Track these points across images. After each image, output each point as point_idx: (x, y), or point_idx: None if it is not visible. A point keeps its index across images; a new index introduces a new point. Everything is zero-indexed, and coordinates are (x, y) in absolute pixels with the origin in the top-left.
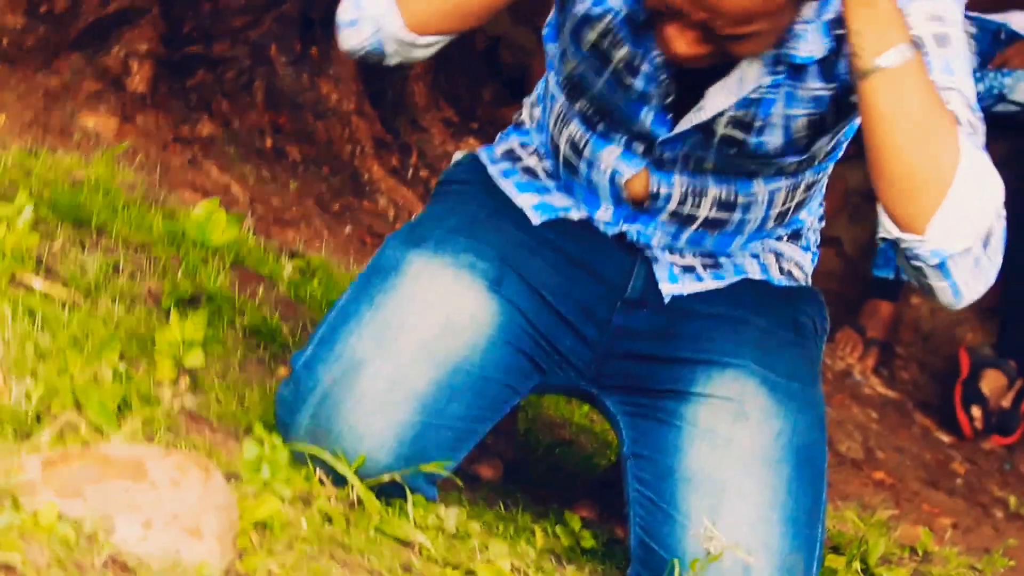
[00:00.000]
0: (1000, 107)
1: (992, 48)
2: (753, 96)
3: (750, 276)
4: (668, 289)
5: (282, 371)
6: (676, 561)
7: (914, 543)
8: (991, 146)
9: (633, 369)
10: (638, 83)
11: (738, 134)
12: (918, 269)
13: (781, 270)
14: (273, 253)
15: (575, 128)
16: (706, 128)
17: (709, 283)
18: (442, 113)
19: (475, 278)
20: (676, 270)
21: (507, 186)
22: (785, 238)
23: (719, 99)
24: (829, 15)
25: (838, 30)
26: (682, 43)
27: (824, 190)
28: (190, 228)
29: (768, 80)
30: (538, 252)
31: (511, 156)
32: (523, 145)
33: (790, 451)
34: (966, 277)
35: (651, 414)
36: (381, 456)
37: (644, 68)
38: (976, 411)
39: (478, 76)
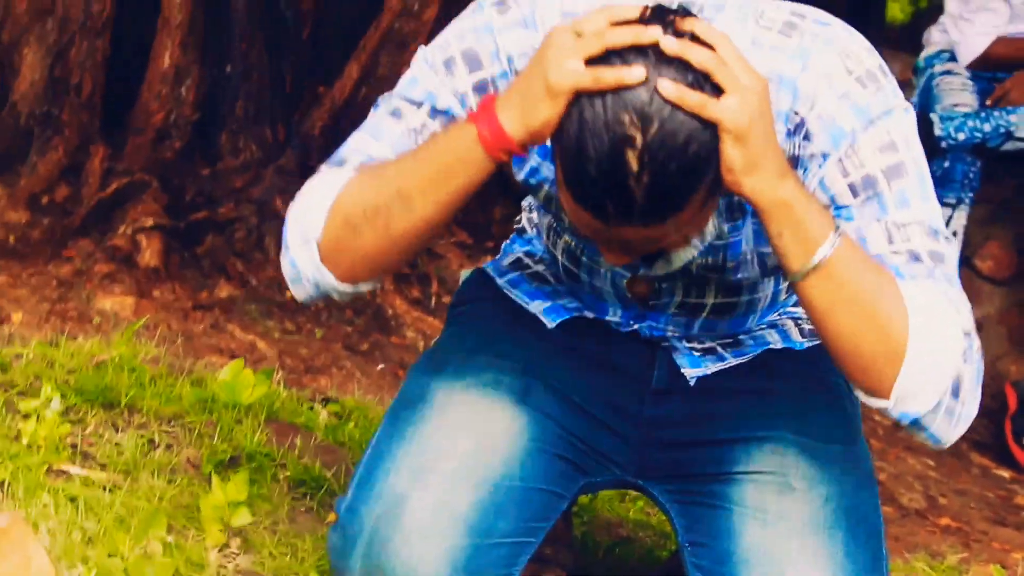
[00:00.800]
0: (1009, 145)
1: (993, 88)
2: (718, 243)
3: (772, 346)
4: (691, 373)
5: (331, 517)
6: None
7: None
8: (1003, 182)
9: (673, 457)
10: (583, 276)
11: (713, 274)
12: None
13: (802, 333)
14: (306, 403)
15: (569, 239)
16: (681, 269)
17: (732, 361)
18: (456, 237)
19: (501, 394)
20: (697, 354)
21: (517, 295)
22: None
23: (683, 256)
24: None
25: (781, 138)
26: (611, 258)
27: None
28: (219, 391)
29: (725, 228)
30: (559, 357)
31: (518, 265)
32: (528, 254)
33: (840, 515)
34: (942, 427)
35: (700, 500)
36: None
37: (583, 260)
38: None
39: (488, 195)
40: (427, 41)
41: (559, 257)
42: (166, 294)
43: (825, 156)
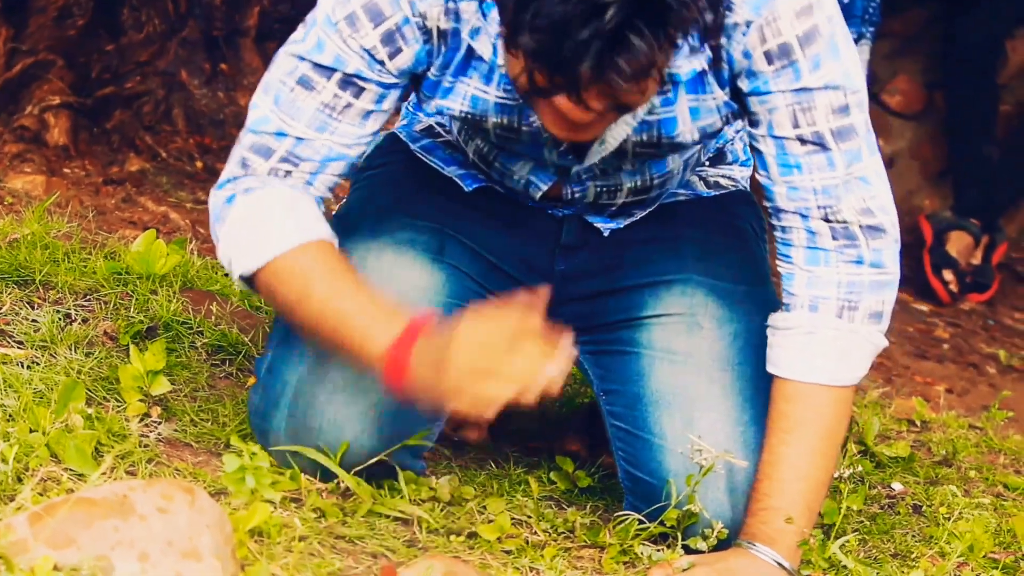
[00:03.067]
0: None
1: None
2: (650, 119)
3: (679, 198)
4: (604, 227)
5: (251, 381)
6: (672, 482)
7: (910, 415)
8: (912, 12)
9: (585, 309)
10: (524, 138)
11: (649, 150)
12: None
13: (707, 184)
14: (221, 270)
15: (481, 143)
16: (617, 151)
17: (640, 215)
18: None
19: (417, 251)
20: (606, 215)
21: (432, 160)
22: (707, 164)
23: (617, 131)
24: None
25: (710, 41)
26: (577, 114)
27: None
28: (133, 263)
29: (658, 100)
30: (472, 217)
31: (431, 133)
32: (440, 124)
33: (748, 351)
34: None
35: (611, 348)
36: (364, 440)
37: (524, 128)
38: (948, 275)
39: None
40: None
41: (470, 154)
42: (76, 171)
43: (748, 24)
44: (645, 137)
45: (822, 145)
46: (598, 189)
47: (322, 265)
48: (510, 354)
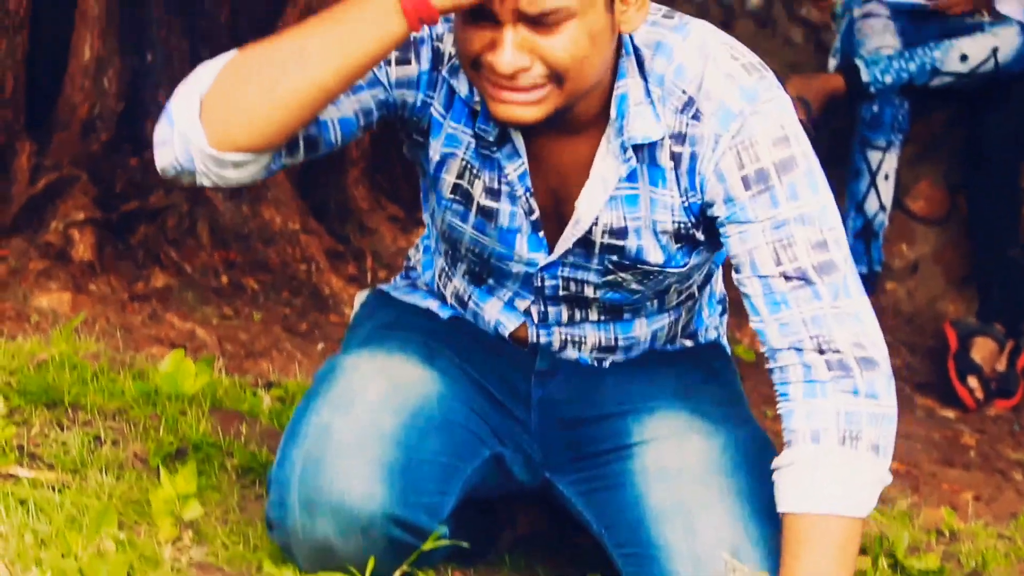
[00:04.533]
0: (936, 81)
1: (914, 25)
2: (618, 194)
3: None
4: (574, 356)
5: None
6: None
7: (939, 525)
8: (934, 116)
9: (570, 437)
10: (503, 207)
11: (616, 241)
12: None
13: (682, 341)
14: (249, 389)
15: (459, 283)
16: (586, 242)
17: (609, 360)
18: (387, 212)
19: (408, 356)
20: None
21: (413, 299)
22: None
23: (590, 205)
24: (657, 108)
25: (668, 134)
26: (506, 55)
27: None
28: (162, 383)
29: (624, 169)
30: (456, 337)
31: (413, 287)
32: (424, 283)
33: (739, 459)
34: None
35: (603, 483)
36: (375, 499)
37: (503, 189)
38: (973, 381)
39: (415, 168)
40: None
41: (448, 299)
42: (102, 287)
43: (717, 138)
44: (613, 220)
45: (806, 279)
46: (563, 337)
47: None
48: None
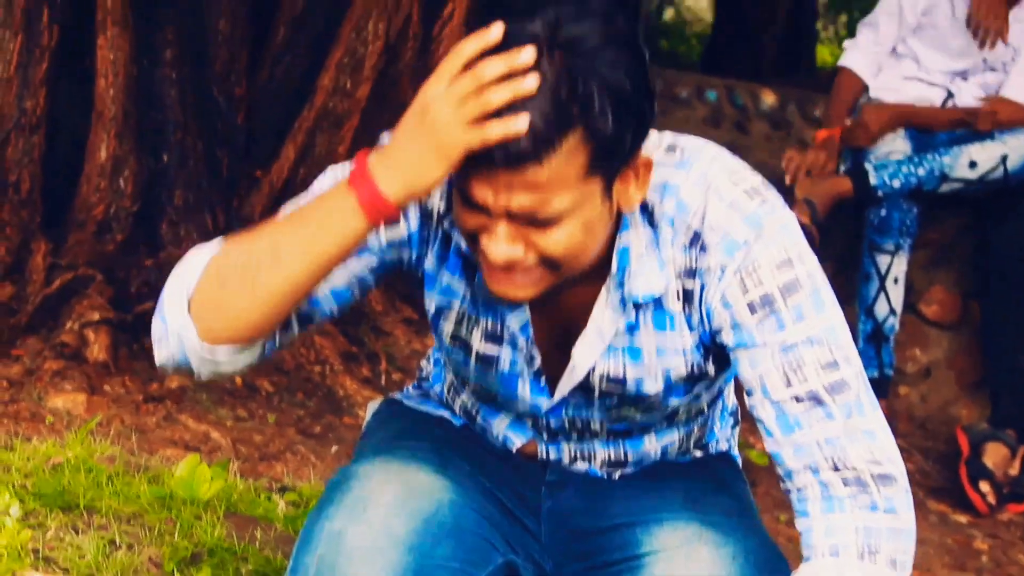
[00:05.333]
0: (944, 187)
1: (924, 131)
2: (617, 344)
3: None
4: (583, 468)
5: None
6: None
7: None
8: (947, 222)
9: (580, 547)
10: (504, 354)
11: (615, 388)
12: None
13: (693, 453)
14: (264, 493)
15: (467, 398)
16: (584, 387)
17: (619, 473)
18: (401, 314)
19: (420, 465)
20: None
21: (425, 408)
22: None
23: (586, 355)
24: (664, 254)
25: (676, 274)
26: (499, 248)
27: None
28: (177, 487)
29: (622, 323)
30: (467, 446)
31: (426, 396)
32: (436, 393)
33: (749, 569)
34: None
35: None
36: None
37: (504, 335)
38: (985, 486)
39: None
40: (361, 119)
41: (456, 411)
42: (117, 388)
43: (723, 268)
44: (611, 369)
45: (818, 400)
46: (573, 453)
47: (261, 223)
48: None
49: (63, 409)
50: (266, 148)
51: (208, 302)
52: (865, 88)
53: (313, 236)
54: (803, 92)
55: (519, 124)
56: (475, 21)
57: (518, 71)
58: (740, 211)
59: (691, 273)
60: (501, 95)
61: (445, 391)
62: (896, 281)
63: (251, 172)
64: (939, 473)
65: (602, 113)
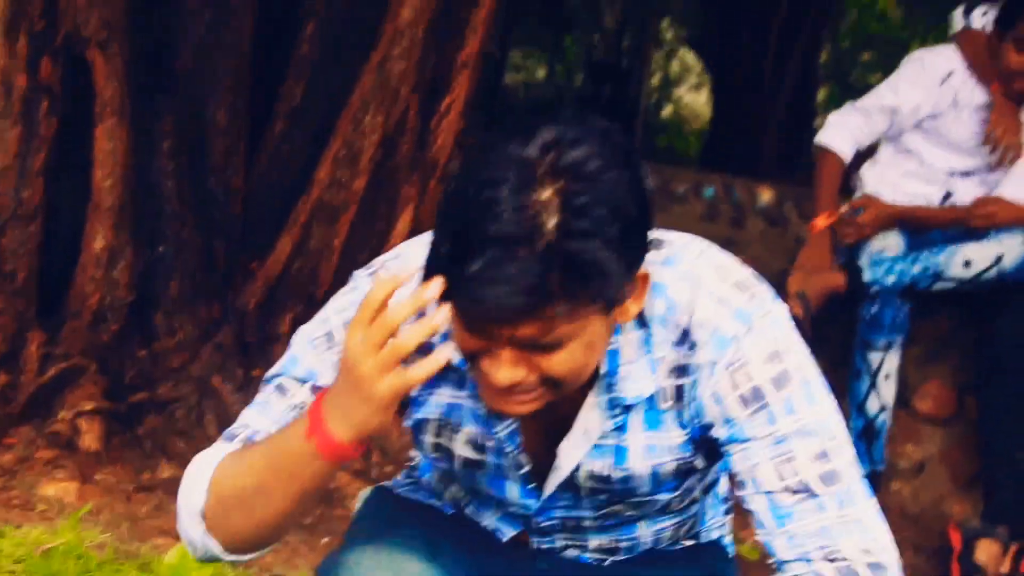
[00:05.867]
0: (938, 286)
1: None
2: (604, 443)
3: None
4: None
5: None
6: None
7: None
8: (939, 320)
9: None
10: (489, 459)
11: (601, 485)
12: None
13: (684, 541)
14: None
15: (456, 491)
16: (571, 485)
17: (611, 560)
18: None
19: (410, 553)
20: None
21: (415, 496)
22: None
23: (571, 454)
24: (655, 354)
25: (667, 372)
26: (502, 372)
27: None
28: (166, 572)
29: (610, 424)
30: (457, 533)
31: (416, 485)
32: (426, 482)
33: None
34: None
35: None
36: None
37: (489, 444)
38: None
39: None
40: (358, 212)
41: (447, 500)
42: (108, 477)
43: (713, 365)
44: (597, 466)
45: (810, 492)
46: (564, 543)
47: (247, 446)
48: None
49: (54, 497)
50: (262, 240)
51: (219, 525)
52: (846, 166)
53: (289, 479)
54: (801, 189)
55: (443, 355)
56: (471, 133)
57: (426, 305)
58: (729, 306)
59: (681, 370)
60: (412, 338)
61: (434, 481)
62: (887, 377)
63: (247, 264)
64: (932, 569)
65: (607, 249)
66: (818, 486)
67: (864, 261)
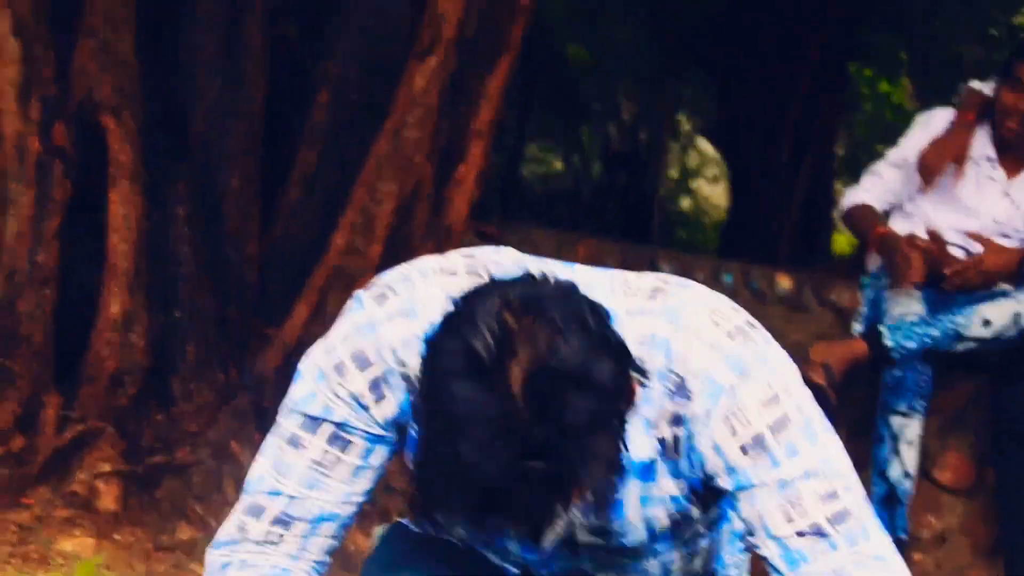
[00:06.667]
0: (960, 346)
1: (940, 293)
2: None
3: None
4: None
5: None
6: None
7: None
8: (960, 388)
9: None
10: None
11: (598, 540)
12: None
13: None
14: None
15: (461, 532)
16: (568, 542)
17: None
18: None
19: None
20: None
21: (430, 532)
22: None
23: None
24: (649, 412)
25: (666, 423)
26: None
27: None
28: None
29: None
30: (473, 568)
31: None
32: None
33: None
34: None
35: None
36: None
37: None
38: None
39: None
40: (373, 277)
41: (456, 540)
42: (127, 536)
43: (709, 414)
44: (593, 520)
45: (820, 532)
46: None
47: None
48: None
49: (72, 553)
50: (278, 306)
51: None
52: (879, 216)
53: None
54: (819, 276)
55: None
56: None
57: None
58: (722, 353)
59: (676, 420)
60: None
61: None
62: (910, 443)
63: (263, 329)
64: None
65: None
66: (828, 527)
67: (884, 328)
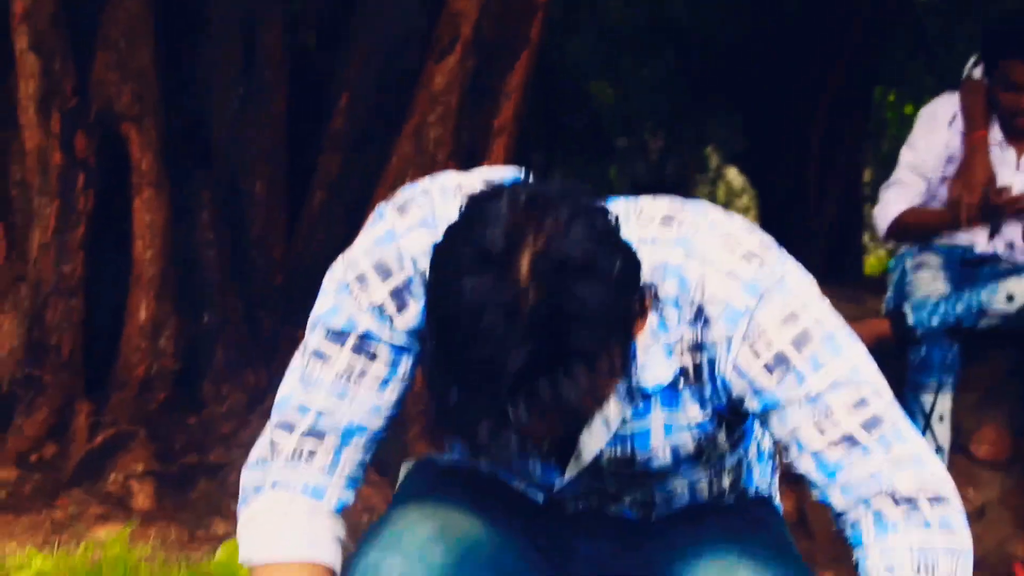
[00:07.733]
0: (984, 322)
1: (964, 271)
2: (623, 433)
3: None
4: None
5: None
6: None
7: None
8: (993, 365)
9: None
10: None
11: (624, 467)
12: None
13: (730, 497)
14: None
15: (484, 463)
16: (593, 469)
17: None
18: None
19: (456, 506)
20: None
21: (456, 459)
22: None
23: (591, 444)
24: (668, 338)
25: (686, 350)
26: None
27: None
28: (215, 571)
29: (630, 413)
30: (499, 493)
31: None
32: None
33: None
34: None
35: None
36: None
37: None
38: None
39: None
40: None
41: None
42: (163, 529)
43: (729, 340)
44: (619, 452)
45: (853, 440)
46: (598, 502)
47: None
48: None
49: (106, 538)
50: (305, 310)
51: None
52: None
53: None
54: (852, 291)
55: None
56: None
57: None
58: (738, 278)
59: (698, 347)
60: None
61: (464, 452)
62: (941, 419)
63: (292, 332)
64: None
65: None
66: (861, 434)
67: (908, 307)
